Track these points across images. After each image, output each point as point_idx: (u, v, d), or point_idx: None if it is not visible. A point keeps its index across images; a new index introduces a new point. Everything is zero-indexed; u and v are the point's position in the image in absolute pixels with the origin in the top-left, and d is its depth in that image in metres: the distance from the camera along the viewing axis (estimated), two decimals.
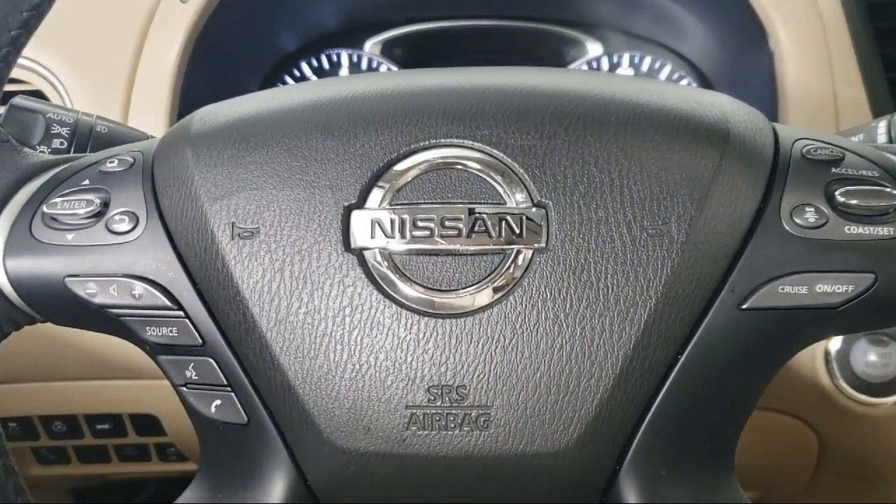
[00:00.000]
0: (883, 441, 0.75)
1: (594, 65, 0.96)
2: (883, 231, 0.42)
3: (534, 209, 0.41)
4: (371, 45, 0.99)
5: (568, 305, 0.40)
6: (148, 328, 0.45)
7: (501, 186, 0.42)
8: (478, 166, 0.42)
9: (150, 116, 0.82)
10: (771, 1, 0.76)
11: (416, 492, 0.43)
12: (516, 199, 0.41)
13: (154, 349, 0.46)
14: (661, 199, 0.41)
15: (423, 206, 0.42)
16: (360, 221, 0.42)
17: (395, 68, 0.99)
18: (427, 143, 0.42)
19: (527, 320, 0.41)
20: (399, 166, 0.42)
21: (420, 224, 0.41)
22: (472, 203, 0.42)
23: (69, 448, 0.97)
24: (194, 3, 0.81)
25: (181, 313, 0.44)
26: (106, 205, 0.46)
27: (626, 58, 0.96)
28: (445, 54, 1.00)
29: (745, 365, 0.43)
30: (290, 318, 0.42)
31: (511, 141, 0.42)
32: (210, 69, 0.88)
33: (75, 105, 0.82)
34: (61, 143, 0.62)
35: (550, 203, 0.41)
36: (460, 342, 0.41)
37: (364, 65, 0.99)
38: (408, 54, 1.00)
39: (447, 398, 0.41)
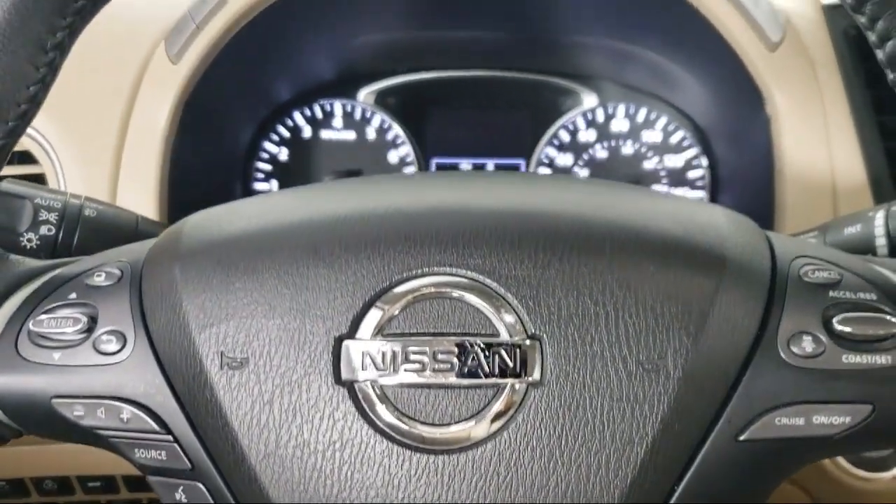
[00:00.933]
0: None
1: (589, 116, 0.96)
2: (881, 360, 0.41)
3: (528, 341, 0.41)
4: (365, 95, 0.99)
5: (563, 442, 0.40)
6: (137, 450, 0.45)
7: (495, 317, 0.41)
8: (471, 296, 0.41)
9: (140, 177, 0.81)
10: (768, 67, 0.76)
11: None
12: (510, 331, 0.41)
13: (144, 469, 0.46)
14: (657, 332, 0.40)
15: (415, 338, 0.41)
16: (351, 353, 0.41)
17: (388, 118, 0.98)
18: (419, 271, 0.41)
19: (521, 457, 0.40)
20: (390, 295, 0.41)
21: (412, 357, 0.40)
22: (464, 335, 0.41)
23: (60, 503, 0.96)
24: (186, 63, 0.80)
25: (170, 438, 0.44)
26: (94, 321, 0.45)
27: (621, 109, 0.96)
28: (439, 103, 1.00)
29: (742, 490, 0.43)
30: (279, 451, 0.41)
31: (504, 271, 0.41)
32: (202, 123, 0.87)
33: (64, 167, 0.81)
34: (49, 230, 0.61)
35: (545, 336, 0.40)
36: (453, 479, 0.40)
37: (357, 114, 0.98)
38: (401, 103, 0.99)
39: None
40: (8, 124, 0.46)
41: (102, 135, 0.81)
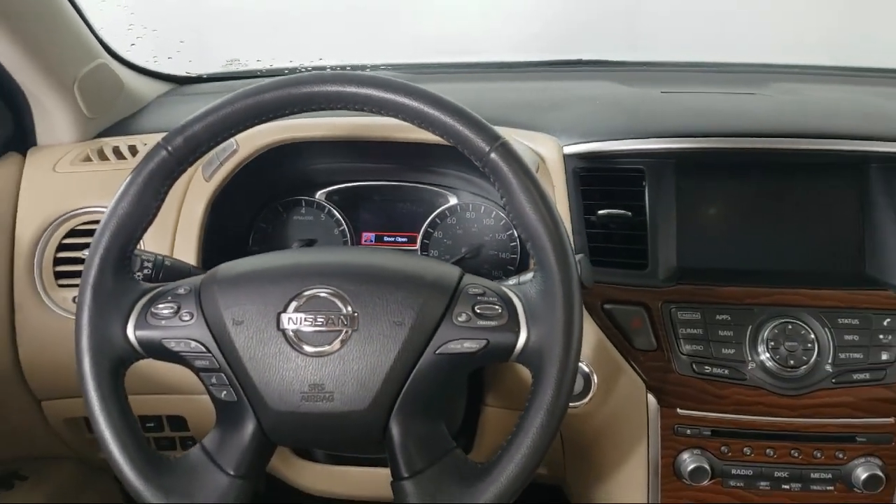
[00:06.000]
0: (584, 428, 1.35)
1: (452, 209, 1.59)
2: (492, 323, 1.02)
3: (354, 314, 1.03)
4: (320, 194, 1.63)
5: (367, 353, 1.00)
6: (196, 361, 1.05)
7: (342, 304, 1.03)
8: (332, 297, 1.03)
9: (187, 242, 1.44)
10: None
11: (304, 428, 1.04)
12: (347, 311, 1.02)
13: (198, 370, 1.07)
14: (403, 310, 1.01)
15: (310, 313, 1.02)
16: (284, 319, 1.03)
17: (334, 208, 1.61)
18: (312, 286, 1.04)
19: (351, 358, 1.00)
20: (300, 296, 1.03)
21: (308, 320, 1.02)
22: (329, 312, 1.02)
23: None
24: (214, 182, 1.44)
25: (211, 355, 1.02)
26: (179, 308, 1.07)
27: (471, 205, 1.60)
28: (365, 199, 1.61)
29: (439, 376, 1.04)
30: (256, 356, 1.02)
31: (345, 286, 1.03)
32: (221, 213, 1.49)
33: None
34: (148, 271, 1.23)
35: (360, 312, 1.02)
36: (323, 366, 1.00)
37: (315, 206, 1.62)
38: (342, 199, 1.61)
39: (317, 388, 1.01)
40: (135, 238, 1.09)
41: (165, 219, 1.44)
